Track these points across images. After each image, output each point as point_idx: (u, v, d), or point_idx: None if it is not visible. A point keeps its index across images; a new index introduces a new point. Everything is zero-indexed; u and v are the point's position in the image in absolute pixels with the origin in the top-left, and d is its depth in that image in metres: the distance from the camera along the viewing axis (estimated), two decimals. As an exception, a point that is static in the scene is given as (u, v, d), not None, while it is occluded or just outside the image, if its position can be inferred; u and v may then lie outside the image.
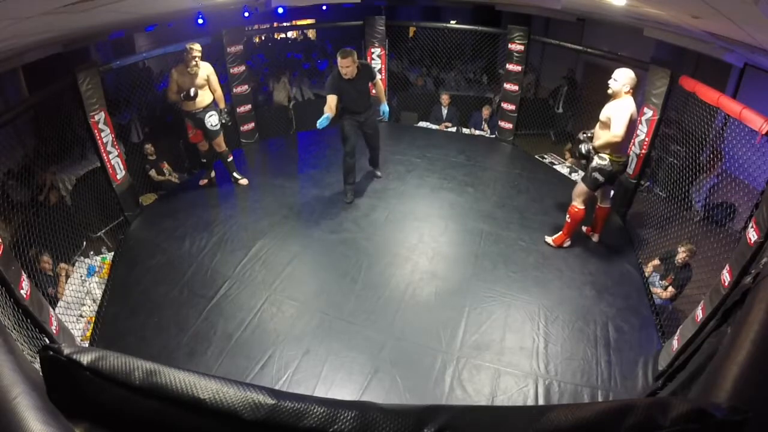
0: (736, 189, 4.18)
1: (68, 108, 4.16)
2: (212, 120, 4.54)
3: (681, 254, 3.59)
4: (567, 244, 4.01)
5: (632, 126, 3.47)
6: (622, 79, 3.43)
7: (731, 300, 2.22)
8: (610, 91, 3.49)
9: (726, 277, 2.47)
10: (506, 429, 0.70)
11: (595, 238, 4.15)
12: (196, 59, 4.27)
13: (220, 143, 4.78)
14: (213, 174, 5.07)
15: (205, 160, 4.98)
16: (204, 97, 4.43)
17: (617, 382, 2.89)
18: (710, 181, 4.78)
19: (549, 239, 4.05)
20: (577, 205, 3.76)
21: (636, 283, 3.68)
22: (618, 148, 3.51)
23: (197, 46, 4.28)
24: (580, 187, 3.73)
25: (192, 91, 4.28)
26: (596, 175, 3.56)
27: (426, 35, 6.84)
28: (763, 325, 1.22)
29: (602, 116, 3.53)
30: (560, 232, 3.99)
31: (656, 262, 3.94)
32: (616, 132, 3.35)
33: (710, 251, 3.50)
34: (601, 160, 3.52)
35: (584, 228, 4.19)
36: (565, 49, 5.70)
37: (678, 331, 2.84)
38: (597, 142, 3.55)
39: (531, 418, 0.71)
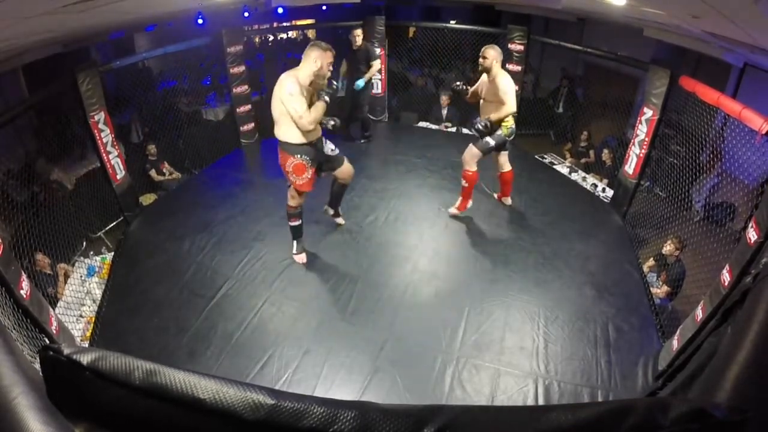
0: (736, 189, 4.18)
1: (68, 108, 4.16)
2: (330, 144, 3.46)
3: (667, 247, 3.64)
4: (469, 205, 4.29)
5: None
6: (491, 55, 3.69)
7: (731, 300, 2.22)
8: (480, 68, 3.81)
9: (726, 277, 2.47)
10: (506, 429, 0.70)
11: (507, 201, 4.55)
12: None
13: (350, 170, 3.63)
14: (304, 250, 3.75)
15: (298, 222, 3.61)
16: None
17: (617, 382, 2.88)
18: (710, 181, 4.78)
19: (453, 209, 4.30)
20: (471, 168, 4.00)
21: (636, 283, 3.67)
22: (508, 117, 3.82)
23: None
24: (473, 152, 3.94)
25: (335, 123, 3.26)
26: (489, 140, 3.88)
27: (426, 35, 6.83)
28: (763, 325, 1.22)
29: (487, 94, 3.84)
30: (460, 199, 4.24)
31: (651, 262, 3.96)
32: (508, 107, 3.70)
33: (710, 251, 3.50)
34: (495, 131, 3.87)
35: (496, 195, 4.59)
36: (564, 50, 5.70)
37: (678, 331, 2.84)
38: (493, 116, 3.77)
39: (531, 418, 0.71)
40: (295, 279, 3.62)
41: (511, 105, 3.67)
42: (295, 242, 3.75)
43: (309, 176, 3.30)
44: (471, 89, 4.00)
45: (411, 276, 3.66)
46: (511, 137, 3.94)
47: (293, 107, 2.99)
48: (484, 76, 3.86)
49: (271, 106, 3.16)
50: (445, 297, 3.46)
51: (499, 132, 3.84)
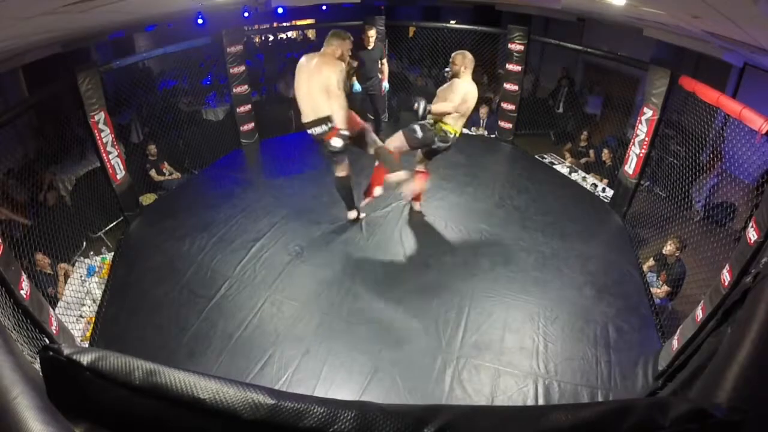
0: (736, 189, 4.18)
1: (68, 108, 4.15)
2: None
3: (668, 247, 3.65)
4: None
5: (464, 104, 3.61)
6: (459, 61, 3.60)
7: (731, 300, 2.22)
8: (450, 74, 3.67)
9: (726, 277, 2.47)
10: (506, 429, 0.70)
11: (363, 202, 4.18)
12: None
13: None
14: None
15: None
16: None
17: (617, 382, 2.88)
18: (710, 181, 4.78)
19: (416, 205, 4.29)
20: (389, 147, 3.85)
21: (636, 283, 3.67)
22: (448, 120, 3.64)
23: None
24: (398, 136, 3.85)
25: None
26: (416, 128, 3.74)
27: (426, 35, 6.84)
28: (763, 325, 1.22)
29: (440, 95, 3.72)
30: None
31: (651, 262, 3.96)
32: (448, 105, 3.58)
33: (710, 251, 3.50)
34: (426, 121, 3.71)
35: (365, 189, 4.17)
36: (564, 50, 5.70)
37: (678, 331, 2.84)
38: (433, 108, 3.65)
39: (531, 418, 0.71)
40: (295, 279, 3.62)
41: (448, 105, 3.56)
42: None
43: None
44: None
45: (411, 276, 3.66)
46: (443, 145, 3.71)
47: (341, 81, 3.33)
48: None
49: (304, 88, 3.42)
50: (445, 297, 3.45)
51: (429, 128, 3.66)
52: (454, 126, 3.66)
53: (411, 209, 4.40)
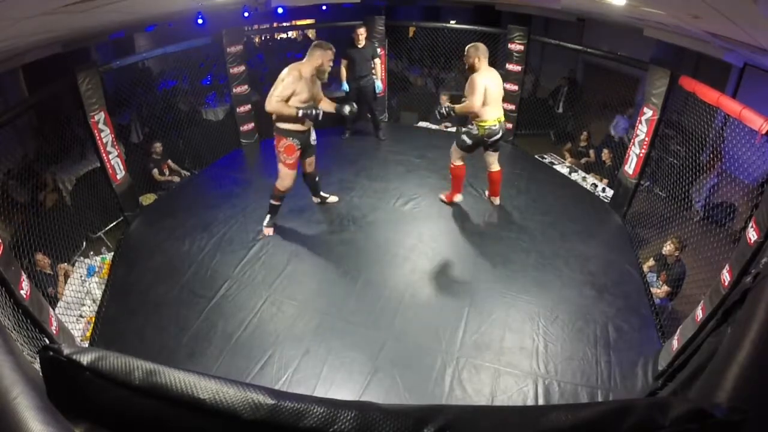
0: (736, 189, 4.18)
1: (68, 108, 4.15)
2: (314, 134, 3.84)
3: (667, 247, 3.66)
4: (458, 198, 4.46)
5: (487, 93, 3.76)
6: (470, 53, 3.79)
7: (731, 300, 2.22)
8: (467, 67, 3.87)
9: (726, 277, 2.47)
10: (506, 429, 0.70)
11: (495, 201, 4.54)
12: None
13: (313, 160, 4.00)
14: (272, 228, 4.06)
15: (279, 203, 3.96)
16: None
17: (617, 382, 2.88)
18: (710, 181, 4.78)
19: (442, 196, 4.55)
20: (454, 162, 4.24)
21: (636, 283, 3.67)
22: (480, 115, 3.83)
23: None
24: (453, 147, 4.18)
25: (319, 113, 3.53)
26: (464, 137, 4.02)
27: (426, 35, 6.84)
28: (763, 325, 1.22)
29: (466, 90, 3.89)
30: (450, 191, 4.47)
31: (651, 262, 3.96)
32: (471, 102, 3.76)
33: (710, 251, 3.50)
34: (469, 126, 3.99)
35: (486, 193, 4.60)
36: (565, 50, 5.70)
37: (678, 331, 2.84)
38: (457, 108, 3.93)
39: (531, 418, 0.71)
40: (295, 279, 3.62)
41: (470, 102, 3.74)
42: (269, 216, 4.03)
43: (297, 157, 3.70)
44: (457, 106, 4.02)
45: (411, 276, 3.66)
46: (492, 138, 3.92)
47: (275, 87, 3.40)
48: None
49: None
50: (445, 297, 3.46)
51: (475, 132, 3.90)
52: (485, 118, 3.83)
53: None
